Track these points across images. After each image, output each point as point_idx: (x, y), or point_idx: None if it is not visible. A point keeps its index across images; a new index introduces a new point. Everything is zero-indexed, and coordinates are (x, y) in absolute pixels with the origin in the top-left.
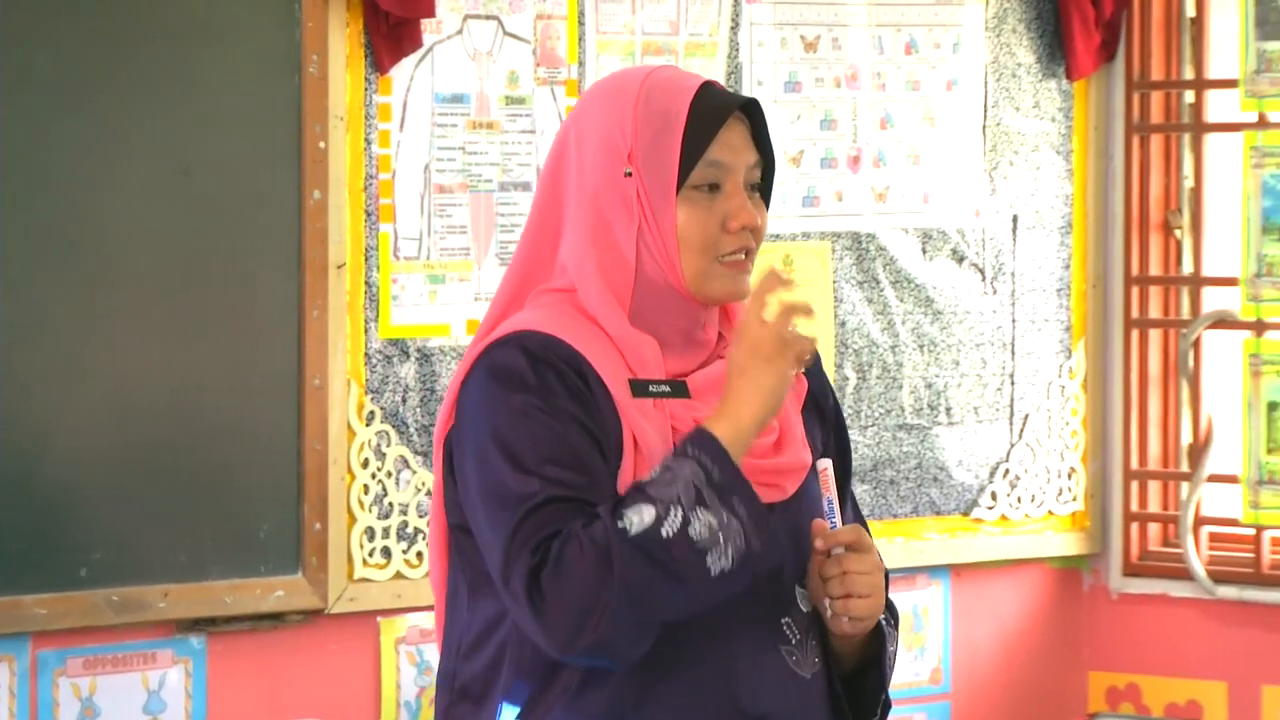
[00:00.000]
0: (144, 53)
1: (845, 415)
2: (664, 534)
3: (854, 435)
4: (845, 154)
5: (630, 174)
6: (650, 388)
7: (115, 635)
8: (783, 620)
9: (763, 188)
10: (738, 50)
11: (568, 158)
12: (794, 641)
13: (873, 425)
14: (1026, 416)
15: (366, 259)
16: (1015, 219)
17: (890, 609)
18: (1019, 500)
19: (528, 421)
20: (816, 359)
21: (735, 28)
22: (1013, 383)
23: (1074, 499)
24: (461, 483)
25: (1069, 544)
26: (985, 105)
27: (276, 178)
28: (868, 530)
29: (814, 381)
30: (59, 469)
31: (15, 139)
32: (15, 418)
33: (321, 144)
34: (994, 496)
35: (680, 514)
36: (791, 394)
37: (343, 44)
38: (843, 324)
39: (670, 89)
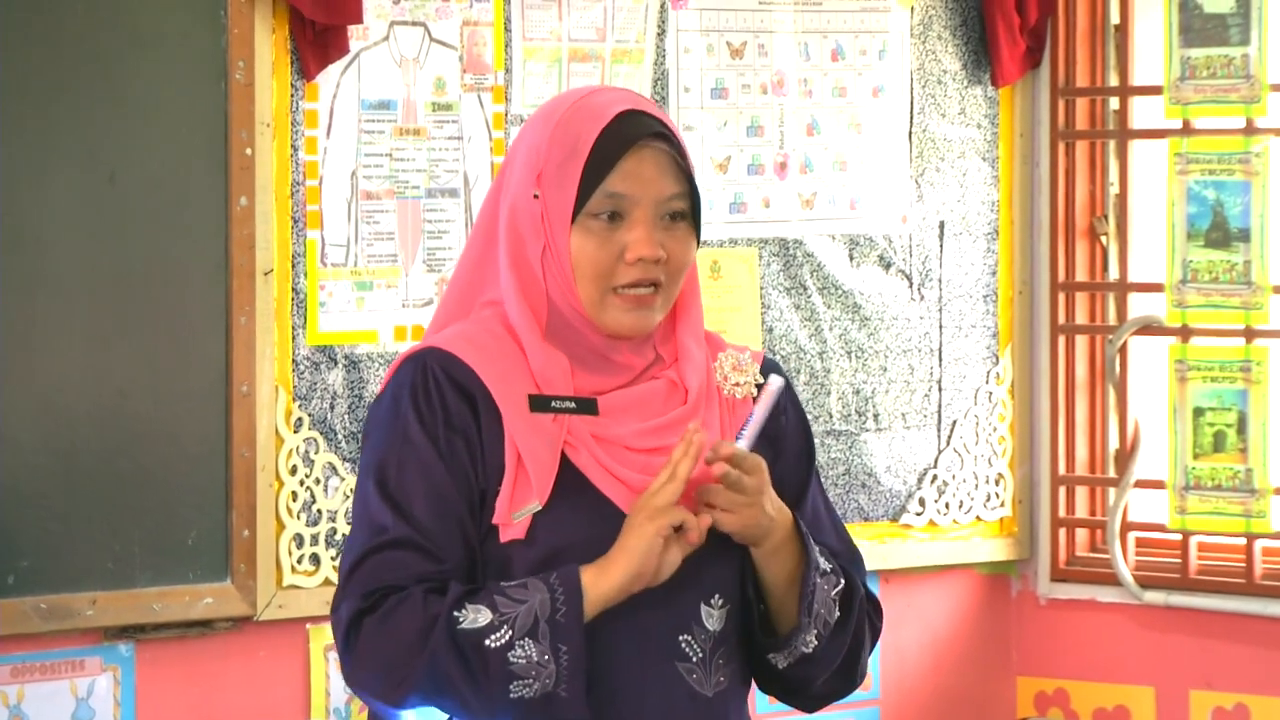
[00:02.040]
0: (69, 58)
1: None
2: (487, 644)
3: None
4: (772, 160)
5: (537, 196)
6: (553, 403)
7: (43, 643)
8: (680, 638)
9: (695, 218)
10: (664, 57)
11: (505, 176)
12: (695, 659)
13: None
14: (954, 423)
15: (294, 265)
16: (942, 225)
17: (847, 578)
18: (947, 506)
19: (406, 450)
20: (779, 374)
21: (662, 34)
22: (940, 389)
23: (1002, 505)
24: None
25: (997, 550)
26: (911, 112)
27: (203, 184)
28: (842, 536)
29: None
30: None
31: None
32: None
33: (248, 150)
34: (922, 503)
35: (509, 635)
36: (726, 423)
37: (269, 50)
38: (770, 330)
39: (588, 114)
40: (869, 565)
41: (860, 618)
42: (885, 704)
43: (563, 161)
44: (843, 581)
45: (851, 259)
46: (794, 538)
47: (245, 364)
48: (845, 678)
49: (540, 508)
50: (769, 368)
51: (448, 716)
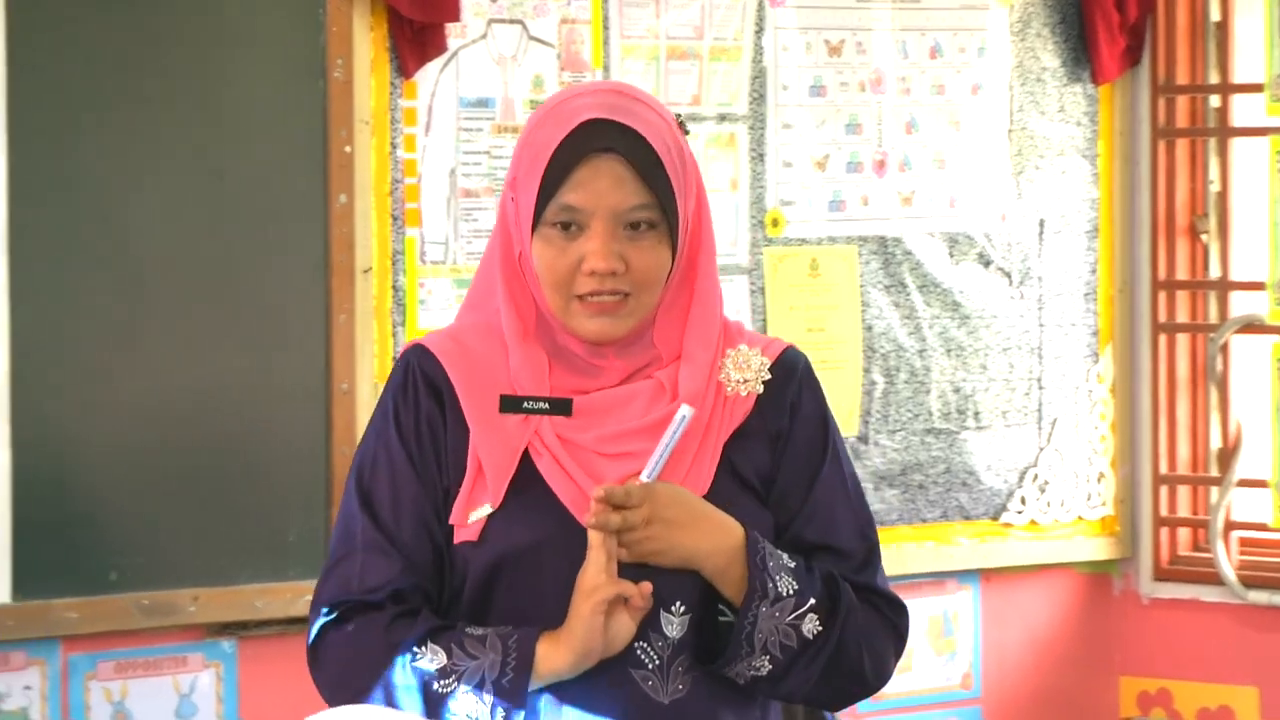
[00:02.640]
0: (170, 58)
1: (873, 419)
2: (434, 688)
3: (882, 440)
4: (871, 158)
5: (514, 199)
6: (525, 404)
7: (146, 639)
8: (636, 644)
9: (672, 221)
10: (762, 54)
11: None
12: (651, 666)
13: (901, 430)
14: (1055, 421)
15: (393, 263)
16: (1042, 223)
17: (826, 587)
18: (1048, 505)
19: (380, 450)
20: (790, 372)
21: (760, 32)
22: (1041, 387)
23: (1103, 504)
24: None
25: (1099, 549)
26: (1011, 110)
27: (303, 182)
28: (862, 532)
29: (772, 398)
30: (89, 474)
31: (41, 145)
32: (46, 423)
33: (347, 148)
34: (1023, 501)
35: (455, 686)
36: (716, 423)
37: (367, 48)
38: (869, 328)
39: (555, 121)
40: (970, 564)
41: (847, 626)
42: (987, 703)
43: (528, 169)
44: (811, 600)
45: (951, 257)
46: (743, 559)
47: (345, 362)
48: (845, 684)
49: (492, 510)
50: (789, 361)
51: None
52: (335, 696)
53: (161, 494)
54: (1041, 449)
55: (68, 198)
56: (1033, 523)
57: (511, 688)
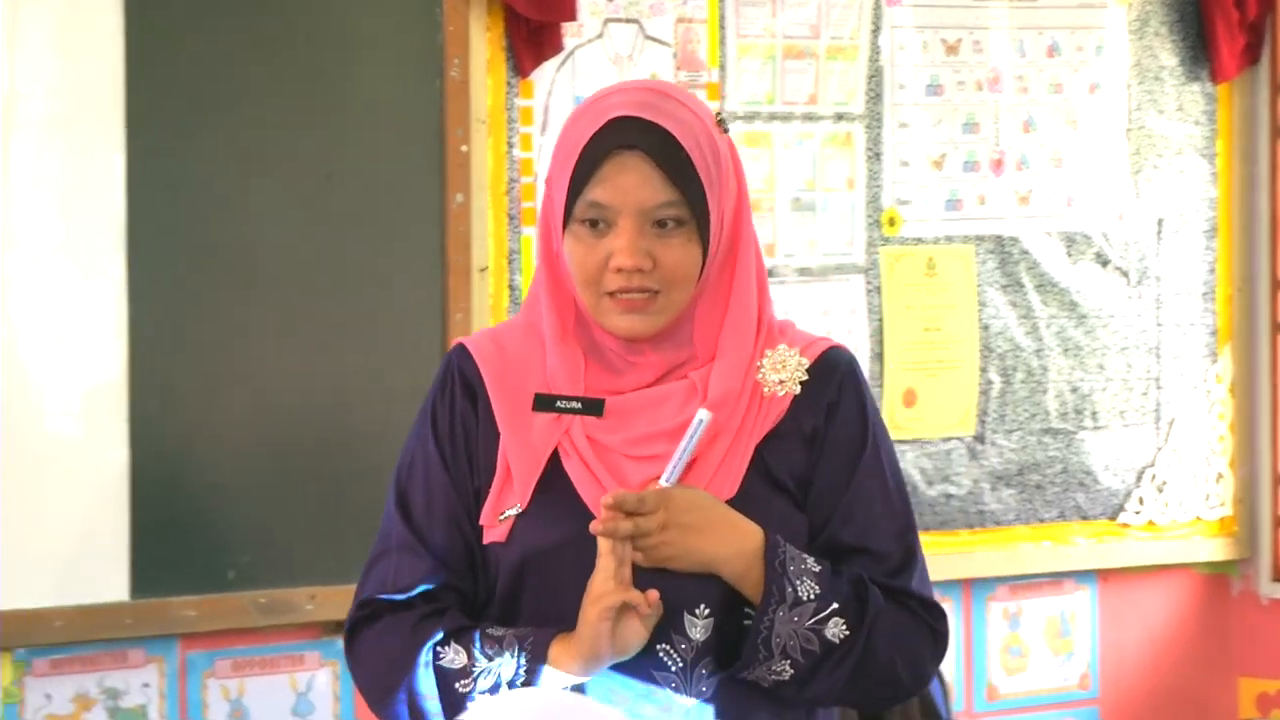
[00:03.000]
0: (287, 58)
1: (990, 419)
2: (455, 686)
3: (999, 439)
4: (988, 157)
5: (549, 197)
6: (558, 403)
7: (263, 637)
8: (659, 647)
9: (702, 218)
10: (879, 54)
11: None
12: (674, 669)
13: (1018, 430)
14: (1173, 421)
15: (510, 262)
16: (1160, 222)
17: (854, 590)
18: (1166, 505)
19: (418, 450)
20: (830, 372)
21: (876, 31)
22: (1159, 387)
23: (1222, 504)
24: None
25: (1217, 549)
26: (1129, 108)
27: (419, 181)
28: (898, 534)
29: (810, 398)
30: (207, 473)
31: (154, 142)
32: (162, 421)
33: (464, 147)
34: (1141, 501)
35: (473, 688)
36: (750, 423)
37: (484, 48)
38: (986, 328)
39: (589, 117)
40: (1087, 565)
41: (876, 630)
42: (1104, 703)
43: (560, 166)
44: (835, 604)
45: (1068, 256)
46: (762, 563)
47: None
48: (877, 688)
49: (520, 510)
50: (829, 361)
51: None
52: (368, 692)
53: (279, 493)
54: (1159, 449)
55: (186, 198)
56: (1150, 523)
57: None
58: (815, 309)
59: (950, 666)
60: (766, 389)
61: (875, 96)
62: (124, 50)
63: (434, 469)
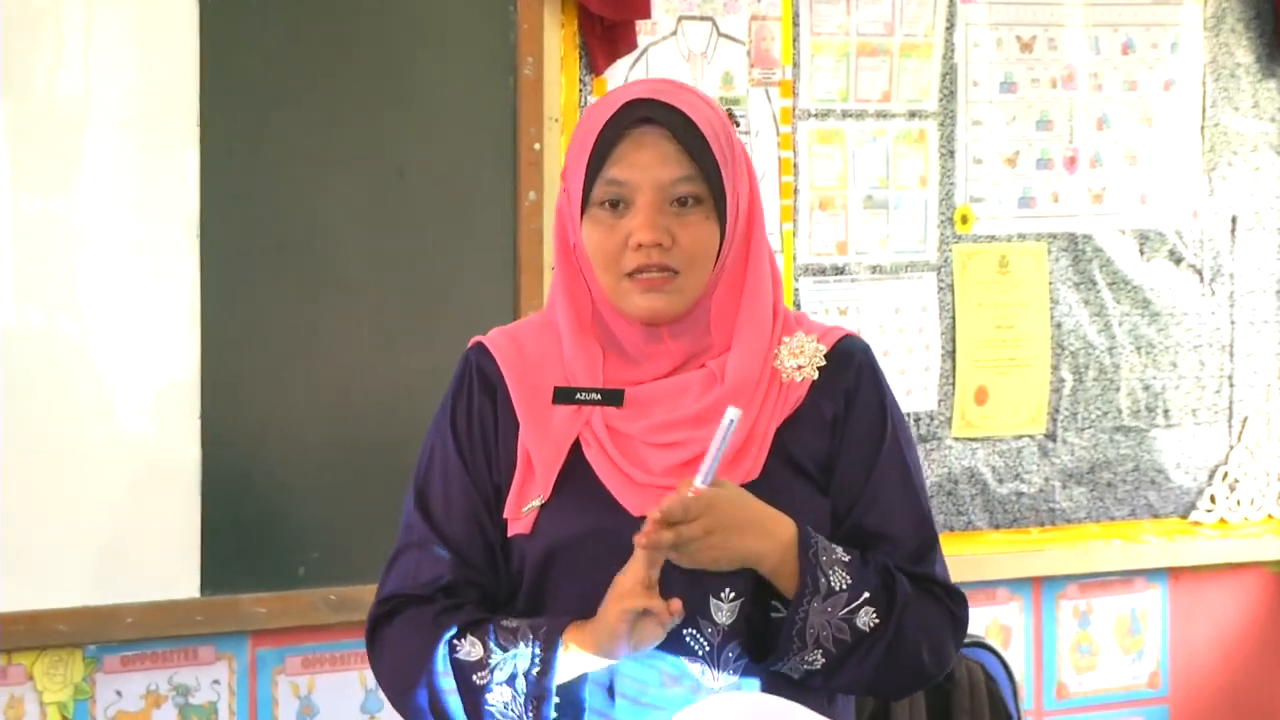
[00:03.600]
0: (358, 54)
1: (1061, 417)
2: (472, 679)
3: (1070, 437)
4: (1061, 155)
5: (564, 190)
6: (578, 395)
7: (333, 634)
8: (686, 631)
9: (719, 198)
10: (953, 51)
11: None
12: (701, 653)
13: (1090, 427)
14: (1245, 419)
15: None
16: (1234, 220)
17: (882, 579)
18: (1238, 503)
19: (438, 449)
20: (847, 360)
21: (950, 28)
22: (1231, 385)
23: None
24: None
25: None
26: (1203, 105)
27: (492, 179)
28: (918, 523)
29: (828, 385)
30: (276, 470)
31: (227, 139)
32: (233, 419)
33: (537, 145)
34: (1212, 499)
35: (490, 679)
36: (769, 410)
37: (557, 45)
38: (1059, 325)
39: (601, 106)
40: (1158, 563)
41: (905, 618)
42: (1174, 702)
43: (575, 155)
44: (866, 594)
45: (1141, 254)
46: (796, 555)
47: None
48: (902, 675)
49: (543, 501)
50: (845, 349)
51: None
52: (389, 687)
53: (348, 490)
54: (1232, 447)
55: (259, 197)
56: (1222, 521)
57: (542, 684)
58: (887, 307)
59: (1020, 665)
60: (785, 375)
61: (949, 94)
62: (198, 49)
63: (453, 466)
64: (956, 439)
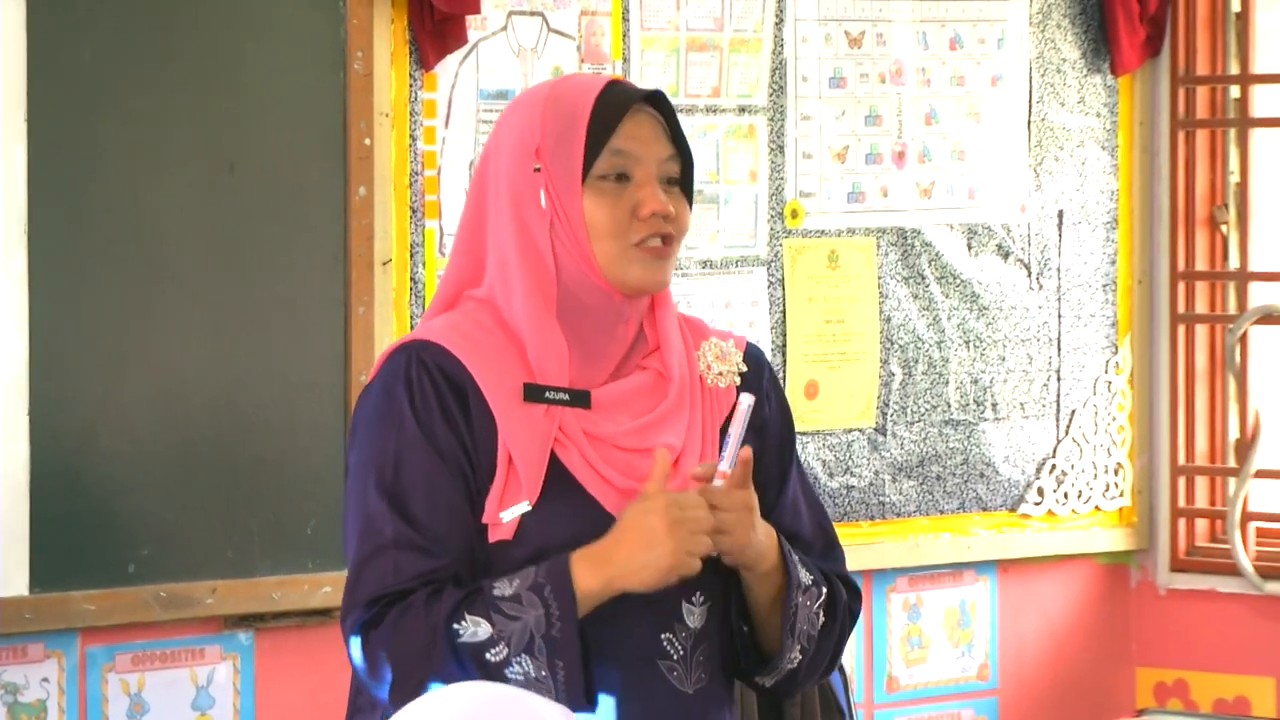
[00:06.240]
0: (188, 48)
1: (891, 411)
2: (487, 658)
3: (900, 431)
4: (890, 149)
5: (539, 169)
6: (547, 394)
7: (163, 631)
8: (662, 636)
9: (685, 186)
10: (782, 46)
11: (488, 168)
12: (675, 657)
13: (919, 421)
14: (1073, 412)
15: (412, 255)
16: (1061, 214)
17: (841, 582)
18: (1066, 496)
19: (402, 445)
20: (760, 364)
21: (780, 23)
22: (1059, 378)
23: (1121, 495)
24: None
25: (1116, 540)
26: (1030, 101)
27: (322, 174)
28: (821, 524)
29: (750, 388)
30: (106, 465)
31: (55, 134)
32: (62, 414)
33: (367, 140)
34: (1041, 492)
35: (507, 652)
36: (709, 414)
37: (387, 40)
38: (888, 320)
39: (577, 88)
40: (987, 556)
41: (843, 619)
42: (1004, 694)
43: (563, 131)
44: (825, 590)
45: (970, 248)
46: (780, 558)
47: (364, 354)
48: (823, 670)
49: (530, 508)
50: (753, 355)
51: None
52: (397, 688)
53: (179, 486)
54: (1059, 440)
55: (86, 189)
56: (1050, 514)
57: (563, 636)
58: (718, 301)
59: (851, 657)
60: (710, 379)
61: (778, 89)
62: (25, 41)
63: (429, 463)
64: None
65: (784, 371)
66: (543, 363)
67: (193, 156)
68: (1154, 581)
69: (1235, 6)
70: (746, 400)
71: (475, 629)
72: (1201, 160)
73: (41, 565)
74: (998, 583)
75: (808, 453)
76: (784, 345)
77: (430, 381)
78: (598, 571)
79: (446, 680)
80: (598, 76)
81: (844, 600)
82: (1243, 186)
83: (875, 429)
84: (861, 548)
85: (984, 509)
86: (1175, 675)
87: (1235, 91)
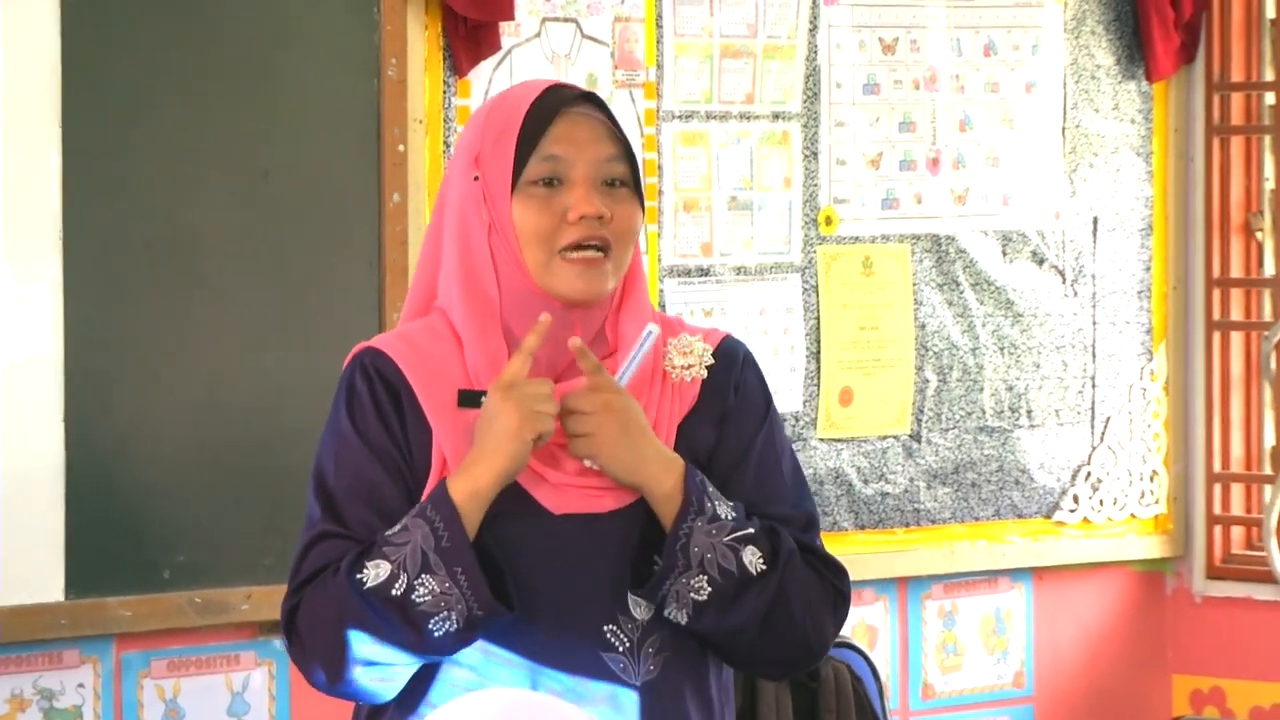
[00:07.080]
0: (224, 56)
1: (926, 417)
2: (393, 593)
3: (935, 438)
4: (924, 156)
5: (478, 178)
6: (481, 398)
7: (199, 637)
8: (605, 628)
9: (636, 187)
10: (816, 53)
11: (447, 174)
12: (621, 649)
13: (954, 428)
14: (1108, 419)
15: None
16: (1095, 221)
17: (767, 529)
18: (1101, 503)
19: (340, 444)
20: (733, 357)
21: (814, 30)
22: (1094, 385)
23: (1156, 502)
24: None
25: (1151, 547)
26: (1065, 107)
27: (356, 181)
28: (799, 502)
29: (718, 382)
30: (143, 472)
31: (90, 141)
32: (100, 421)
33: (401, 147)
34: (1076, 499)
35: (406, 578)
36: (667, 407)
37: (421, 47)
38: (923, 326)
39: (517, 94)
40: (1022, 563)
41: (789, 574)
42: (1039, 701)
43: (497, 137)
44: (751, 529)
45: (1004, 255)
46: (683, 486)
47: None
48: (788, 640)
49: None
50: (726, 349)
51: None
52: (325, 672)
53: (215, 492)
54: (1094, 447)
55: (121, 196)
56: (1085, 521)
57: (453, 543)
58: (752, 308)
59: (885, 665)
60: (674, 375)
61: (812, 95)
62: (60, 48)
63: (364, 465)
64: (822, 440)
65: (818, 378)
66: (478, 368)
67: (228, 164)
68: (1189, 589)
69: (1270, 13)
70: (650, 329)
71: (376, 571)
72: (1236, 166)
73: (77, 571)
74: (1033, 590)
75: (842, 459)
76: (818, 352)
77: (369, 387)
78: (464, 474)
79: (361, 638)
80: (539, 82)
81: (789, 556)
82: (1277, 193)
83: (910, 436)
84: (896, 555)
85: (1019, 516)
86: (1211, 683)
87: (1270, 98)
